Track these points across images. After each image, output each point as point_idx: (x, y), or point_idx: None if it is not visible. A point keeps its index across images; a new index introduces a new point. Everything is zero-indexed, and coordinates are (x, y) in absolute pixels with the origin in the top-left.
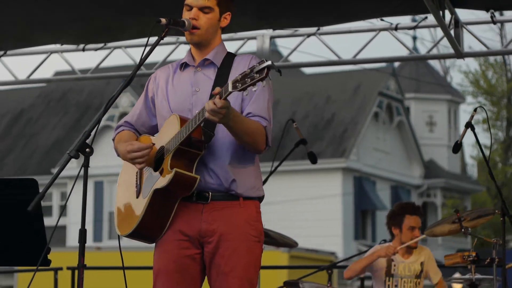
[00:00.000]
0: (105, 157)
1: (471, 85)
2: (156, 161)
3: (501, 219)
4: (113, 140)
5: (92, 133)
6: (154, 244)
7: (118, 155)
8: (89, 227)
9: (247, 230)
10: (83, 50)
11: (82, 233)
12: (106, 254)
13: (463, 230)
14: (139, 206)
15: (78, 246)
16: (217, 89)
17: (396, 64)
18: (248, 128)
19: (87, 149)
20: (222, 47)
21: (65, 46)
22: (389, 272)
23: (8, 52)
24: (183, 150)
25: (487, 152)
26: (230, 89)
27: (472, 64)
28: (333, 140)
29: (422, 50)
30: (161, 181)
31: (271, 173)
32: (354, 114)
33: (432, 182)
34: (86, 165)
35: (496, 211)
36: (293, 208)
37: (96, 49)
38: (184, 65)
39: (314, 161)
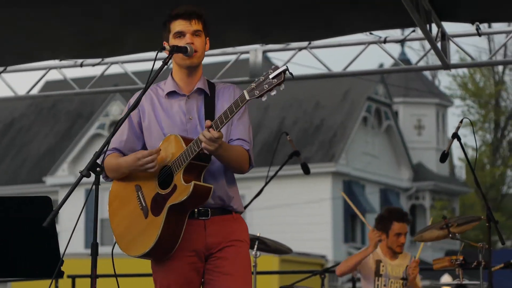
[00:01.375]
0: None
1: (459, 88)
2: (162, 181)
3: (487, 224)
4: (102, 164)
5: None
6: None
7: (106, 177)
8: (80, 234)
9: (244, 238)
10: (81, 65)
11: (94, 246)
12: (99, 260)
13: (450, 235)
14: (153, 225)
15: (91, 259)
16: (208, 122)
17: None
18: (234, 154)
19: (97, 168)
20: (203, 75)
21: (63, 62)
22: (378, 272)
23: (8, 68)
24: (194, 164)
25: (474, 156)
26: (247, 97)
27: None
28: (322, 145)
29: (410, 54)
30: (178, 196)
31: (265, 184)
32: (343, 119)
33: (421, 184)
34: (97, 183)
35: (482, 217)
36: (283, 213)
37: (93, 65)
38: (170, 93)
39: (307, 172)
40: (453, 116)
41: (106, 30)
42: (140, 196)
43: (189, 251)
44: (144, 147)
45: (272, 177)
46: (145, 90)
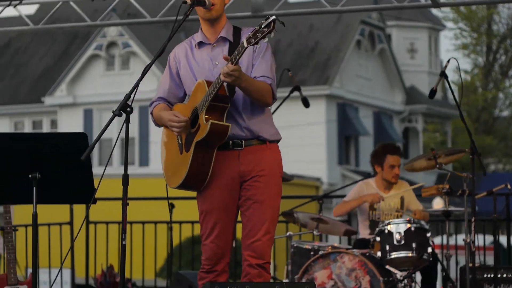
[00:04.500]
0: (94, 86)
1: (452, 11)
2: (192, 120)
3: (471, 157)
4: (151, 113)
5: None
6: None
7: (156, 123)
8: None
9: (275, 167)
10: None
11: (125, 177)
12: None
13: (438, 166)
14: (185, 160)
15: (122, 188)
16: (226, 56)
17: None
18: (255, 87)
19: (128, 108)
20: (228, 24)
21: None
22: (372, 206)
23: None
24: (213, 105)
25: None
26: (245, 45)
27: None
28: (316, 68)
29: None
30: (200, 134)
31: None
32: (337, 42)
33: (414, 107)
34: (127, 121)
35: (466, 150)
36: None
37: None
38: (200, 44)
39: (307, 106)
40: (446, 39)
41: None
42: (179, 135)
43: (225, 179)
44: (186, 93)
45: (276, 109)
46: (168, 40)
